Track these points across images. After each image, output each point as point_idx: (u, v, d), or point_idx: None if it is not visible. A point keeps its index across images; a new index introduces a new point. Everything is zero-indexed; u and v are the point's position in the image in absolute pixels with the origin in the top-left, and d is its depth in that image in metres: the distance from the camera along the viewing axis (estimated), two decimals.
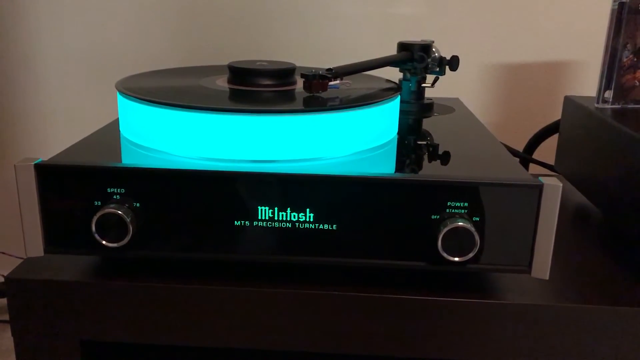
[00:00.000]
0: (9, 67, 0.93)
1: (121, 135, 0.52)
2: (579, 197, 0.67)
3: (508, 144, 0.81)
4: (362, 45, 0.89)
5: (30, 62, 0.92)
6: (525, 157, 0.82)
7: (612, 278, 0.49)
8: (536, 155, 0.83)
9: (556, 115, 0.74)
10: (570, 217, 0.64)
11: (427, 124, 0.62)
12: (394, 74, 0.66)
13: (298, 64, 0.58)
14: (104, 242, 0.43)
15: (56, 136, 0.95)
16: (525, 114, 0.91)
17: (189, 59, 0.90)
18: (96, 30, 0.90)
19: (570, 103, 0.68)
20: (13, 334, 0.47)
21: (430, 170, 0.48)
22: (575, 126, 0.67)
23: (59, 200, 0.44)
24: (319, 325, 0.46)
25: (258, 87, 0.54)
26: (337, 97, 0.51)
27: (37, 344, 0.47)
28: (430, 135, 0.58)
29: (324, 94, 0.50)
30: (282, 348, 0.47)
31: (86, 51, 0.91)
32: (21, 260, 0.48)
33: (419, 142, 0.56)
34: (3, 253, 0.93)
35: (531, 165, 0.84)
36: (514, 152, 0.81)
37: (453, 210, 0.43)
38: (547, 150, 0.81)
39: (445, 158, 0.50)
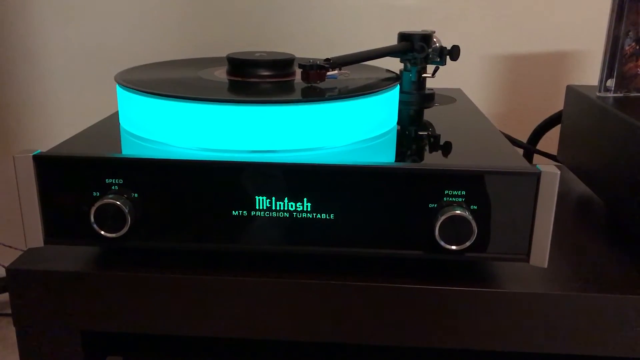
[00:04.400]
0: (12, 60, 0.93)
1: (121, 127, 0.53)
2: (581, 187, 0.67)
3: (512, 134, 0.81)
4: (364, 36, 0.89)
5: (33, 56, 0.93)
6: (529, 147, 0.82)
7: (613, 267, 0.49)
8: (542, 145, 0.82)
9: (561, 105, 0.74)
10: (572, 207, 0.64)
11: (427, 114, 0.62)
12: (395, 64, 0.65)
13: (300, 55, 0.58)
14: (102, 232, 0.43)
15: (61, 129, 0.96)
16: (529, 104, 0.90)
17: (192, 51, 0.90)
18: (99, 24, 0.91)
19: (572, 92, 0.68)
20: (15, 324, 0.48)
21: (428, 159, 0.48)
22: (577, 116, 0.67)
23: (58, 191, 0.44)
24: (315, 314, 0.46)
25: (257, 78, 0.54)
26: (336, 87, 0.51)
27: (38, 334, 0.48)
28: (429, 125, 0.58)
29: (322, 84, 0.50)
30: (281, 337, 0.47)
31: (89, 45, 0.92)
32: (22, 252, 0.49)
33: (418, 132, 0.56)
34: (8, 246, 0.94)
35: (536, 157, 0.83)
36: (517, 143, 0.81)
37: (450, 199, 0.43)
38: (553, 141, 0.80)
39: (443, 147, 0.50)
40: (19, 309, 0.47)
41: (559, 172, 0.42)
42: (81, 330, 0.48)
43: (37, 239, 0.45)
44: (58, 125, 0.96)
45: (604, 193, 0.60)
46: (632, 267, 0.49)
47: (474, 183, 0.43)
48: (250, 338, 0.47)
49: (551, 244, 0.43)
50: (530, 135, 0.83)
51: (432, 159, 0.48)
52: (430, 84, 0.67)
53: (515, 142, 0.80)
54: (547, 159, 0.80)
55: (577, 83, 0.71)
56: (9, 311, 0.48)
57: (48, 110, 0.95)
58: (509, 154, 0.47)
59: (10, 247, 0.93)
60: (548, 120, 0.80)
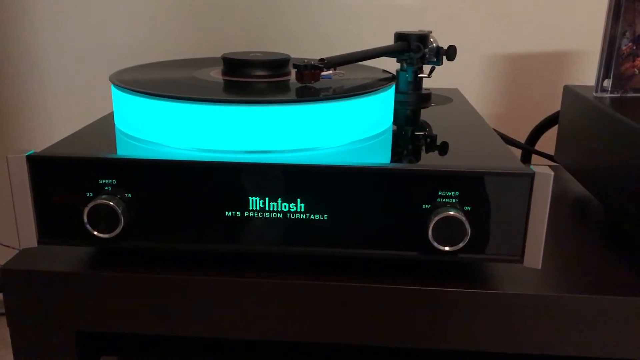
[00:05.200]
0: (12, 62, 0.93)
1: (116, 128, 0.53)
2: (578, 188, 0.67)
3: (511, 134, 0.81)
4: (364, 36, 0.89)
5: (33, 58, 0.93)
6: (526, 147, 0.82)
7: (609, 268, 0.49)
8: (541, 146, 0.82)
9: (559, 105, 0.73)
10: (569, 207, 0.64)
11: (423, 114, 0.62)
12: (392, 64, 0.65)
13: (299, 55, 0.58)
14: (95, 233, 0.43)
15: (60, 130, 0.95)
16: (528, 104, 0.90)
17: (191, 52, 0.90)
18: (98, 24, 0.91)
19: (569, 92, 0.67)
20: (9, 325, 0.48)
21: (423, 159, 0.48)
22: (574, 116, 0.66)
23: (52, 192, 0.44)
24: (308, 315, 0.46)
25: (252, 78, 0.54)
26: (330, 87, 0.51)
27: (32, 335, 0.48)
28: (425, 125, 0.58)
29: (316, 84, 0.50)
30: (274, 338, 0.47)
31: (89, 45, 0.92)
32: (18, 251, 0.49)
33: (413, 132, 0.56)
34: (6, 245, 0.94)
35: (534, 157, 0.83)
36: (515, 143, 0.81)
37: (444, 200, 0.43)
38: (553, 141, 0.80)
39: (438, 148, 0.50)
40: (13, 309, 0.47)
41: (552, 173, 0.41)
42: (75, 331, 0.48)
43: (31, 239, 0.45)
44: (57, 126, 0.96)
45: (601, 194, 0.60)
46: (629, 268, 0.49)
47: (467, 184, 0.43)
48: (244, 338, 0.47)
49: (547, 245, 0.43)
50: (529, 136, 0.83)
51: (427, 160, 0.48)
52: (428, 84, 0.67)
53: (513, 143, 0.80)
54: (545, 160, 0.80)
55: (576, 83, 0.71)
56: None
57: (47, 110, 0.95)
58: (503, 154, 0.47)
59: (8, 246, 0.93)
60: (546, 120, 0.80)
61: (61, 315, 0.47)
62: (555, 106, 0.79)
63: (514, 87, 0.90)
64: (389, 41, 0.64)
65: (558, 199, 0.64)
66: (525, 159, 0.83)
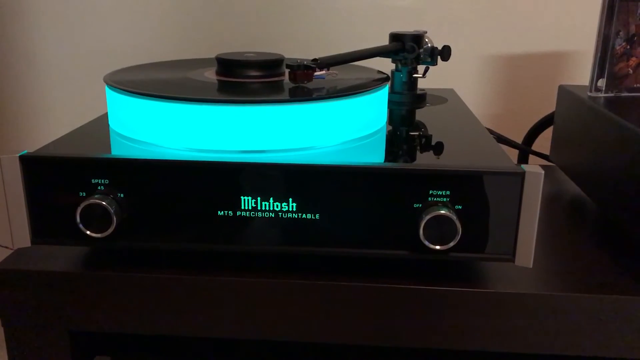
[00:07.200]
0: (10, 64, 0.93)
1: (110, 128, 0.53)
2: (573, 188, 0.67)
3: (508, 135, 0.81)
4: (360, 37, 0.89)
5: (29, 59, 0.93)
6: (523, 148, 0.82)
7: (603, 268, 0.49)
8: (539, 146, 0.82)
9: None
10: (564, 207, 0.64)
11: (418, 114, 0.62)
12: (388, 65, 0.65)
13: (295, 56, 0.58)
14: (88, 232, 0.43)
15: (55, 131, 0.96)
16: (525, 104, 0.90)
17: (189, 53, 0.90)
18: (94, 26, 0.91)
19: (564, 92, 0.67)
20: (3, 324, 0.48)
21: (414, 158, 0.48)
22: (568, 116, 0.66)
23: (45, 192, 0.44)
24: (299, 315, 0.46)
25: (246, 79, 0.54)
26: (323, 88, 0.51)
27: (26, 334, 0.48)
28: (418, 125, 0.58)
29: (309, 85, 0.51)
30: (265, 337, 0.47)
31: (84, 47, 0.92)
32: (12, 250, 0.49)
33: (406, 132, 0.56)
34: (4, 247, 0.94)
35: (531, 157, 0.83)
36: (511, 143, 0.81)
37: (435, 199, 0.43)
38: (549, 141, 0.80)
39: (430, 147, 0.50)
40: (7, 309, 0.47)
41: (542, 172, 0.42)
42: (69, 330, 0.48)
43: (24, 239, 0.45)
44: (52, 126, 0.96)
45: (595, 193, 0.60)
46: (622, 268, 0.49)
47: (458, 183, 0.43)
48: (236, 338, 0.47)
49: (541, 244, 0.43)
50: (525, 136, 0.83)
51: (419, 159, 0.48)
52: (424, 84, 0.67)
53: (509, 143, 0.80)
54: (541, 160, 0.80)
55: (574, 83, 0.71)
56: None
57: (43, 111, 0.96)
58: (495, 154, 0.47)
59: (6, 247, 0.94)
60: (542, 120, 0.80)
61: (55, 314, 0.47)
62: (551, 106, 0.79)
63: (510, 87, 0.90)
64: (387, 42, 0.64)
65: (553, 199, 0.64)
66: (522, 159, 0.83)
